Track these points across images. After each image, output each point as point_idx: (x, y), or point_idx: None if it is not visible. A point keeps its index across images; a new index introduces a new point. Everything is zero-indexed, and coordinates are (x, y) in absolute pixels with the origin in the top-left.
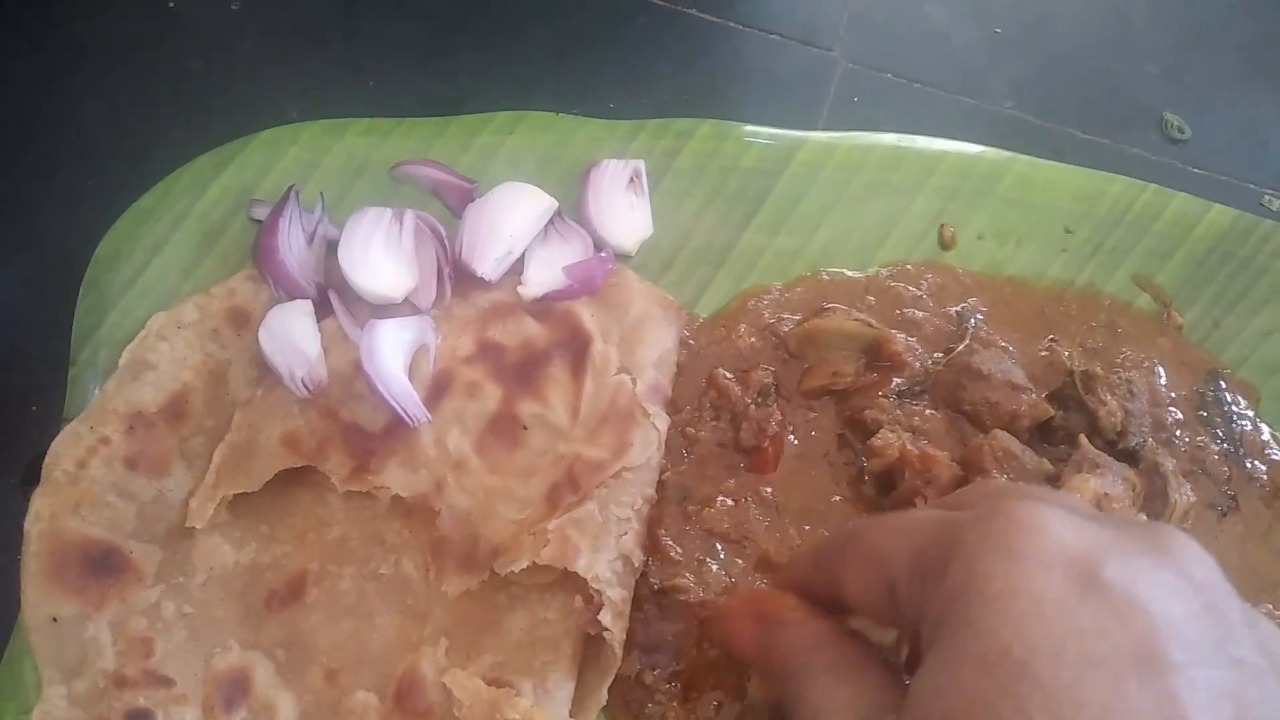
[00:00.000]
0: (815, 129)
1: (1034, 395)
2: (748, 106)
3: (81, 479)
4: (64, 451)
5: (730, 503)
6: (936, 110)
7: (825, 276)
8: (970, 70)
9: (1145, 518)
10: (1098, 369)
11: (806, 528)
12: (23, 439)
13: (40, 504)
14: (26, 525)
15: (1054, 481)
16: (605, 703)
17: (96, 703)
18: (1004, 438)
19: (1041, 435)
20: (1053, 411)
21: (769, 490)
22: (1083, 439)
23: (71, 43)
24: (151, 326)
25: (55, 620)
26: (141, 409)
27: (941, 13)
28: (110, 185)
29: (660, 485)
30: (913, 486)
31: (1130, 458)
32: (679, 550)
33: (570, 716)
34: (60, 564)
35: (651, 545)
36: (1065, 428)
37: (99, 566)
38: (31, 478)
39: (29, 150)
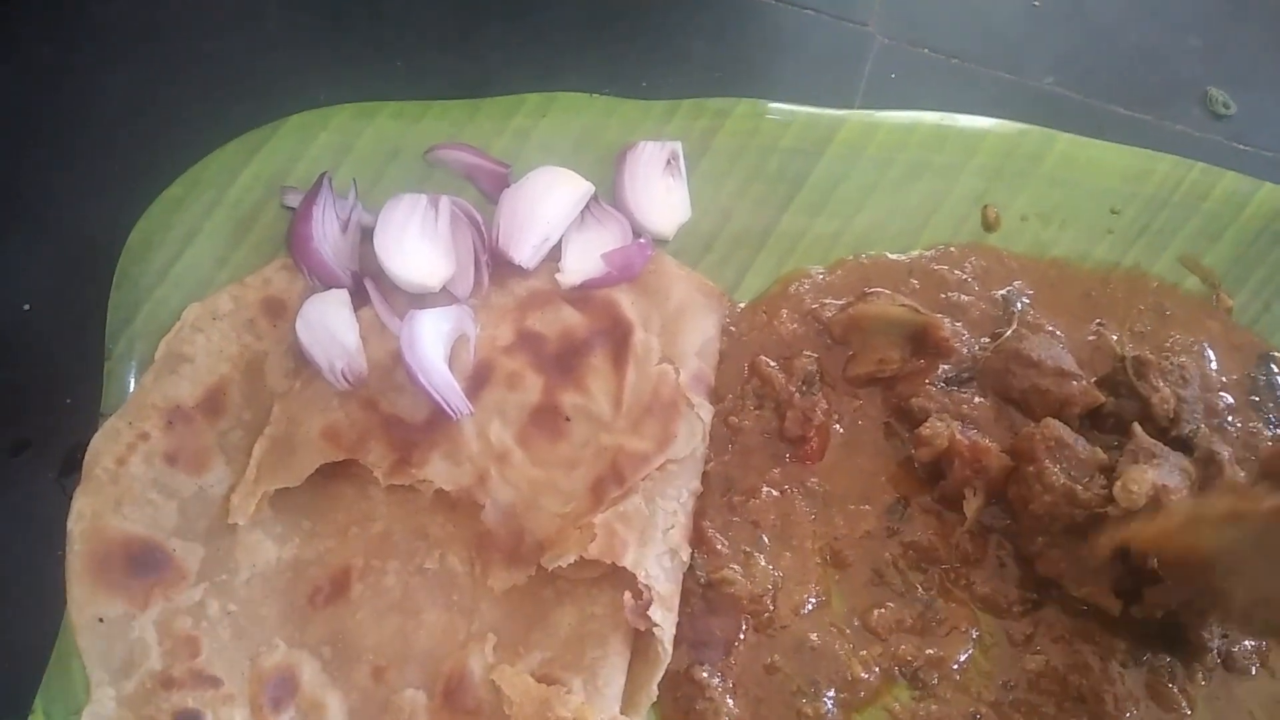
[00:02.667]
0: (852, 107)
1: (1084, 382)
2: (781, 84)
3: (122, 476)
4: (104, 448)
5: (775, 493)
6: (975, 87)
7: (867, 260)
8: (1009, 45)
9: None
10: (1149, 354)
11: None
12: (60, 432)
13: (82, 503)
14: (70, 524)
15: (1107, 472)
16: (655, 698)
17: (144, 704)
18: (1056, 426)
19: (1091, 422)
20: (1104, 398)
21: (814, 480)
22: (1137, 428)
23: (89, 25)
24: (187, 318)
25: (101, 621)
26: (179, 403)
27: None
28: (136, 172)
29: (704, 476)
30: (962, 477)
31: (1183, 445)
32: (725, 542)
33: (621, 713)
34: (104, 563)
35: (697, 537)
36: (1116, 415)
37: (142, 565)
38: (69, 470)
39: (50, 137)
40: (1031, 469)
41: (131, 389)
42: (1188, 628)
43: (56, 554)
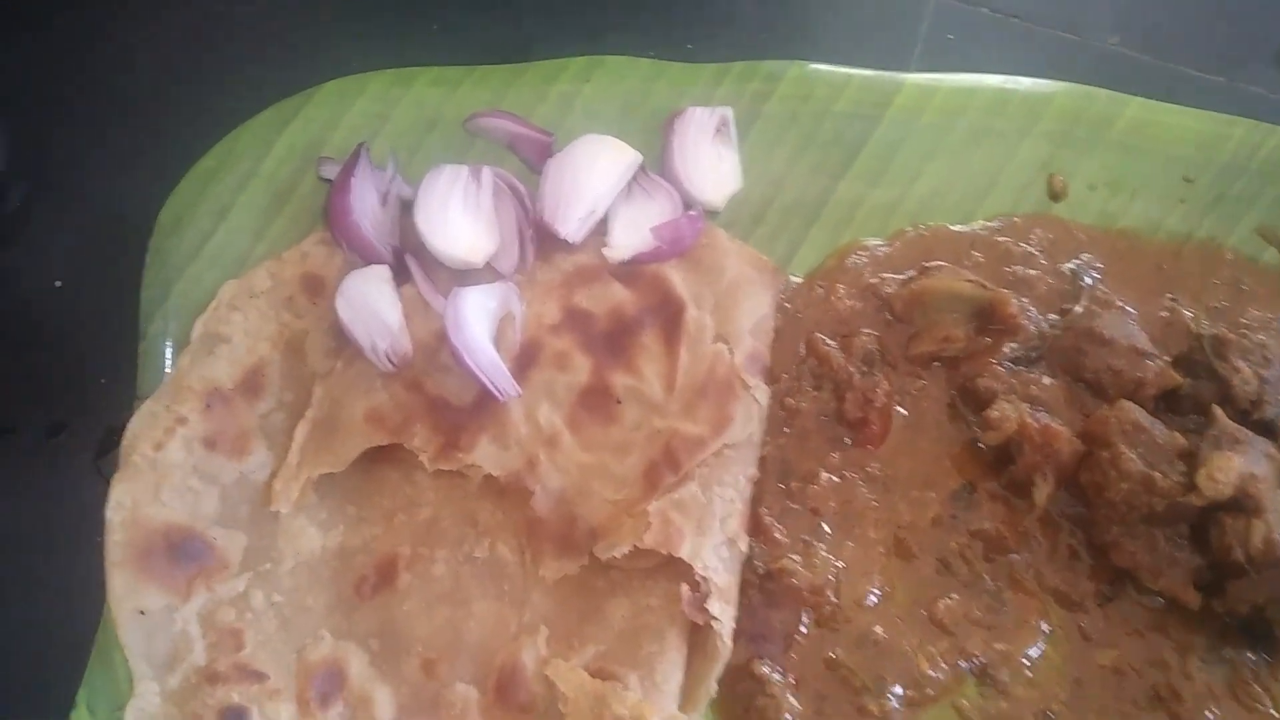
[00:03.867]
0: (908, 70)
1: (1160, 362)
2: (833, 45)
3: (160, 462)
4: (141, 433)
5: (835, 479)
6: (1036, 48)
7: (927, 231)
8: (1071, 3)
9: None
10: (1228, 332)
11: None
12: (95, 413)
13: (120, 490)
14: (108, 513)
15: (1188, 458)
16: (715, 694)
17: (189, 699)
18: (1131, 409)
19: (1167, 404)
20: (1181, 380)
21: (875, 465)
22: (1218, 411)
23: None
24: (223, 296)
25: (143, 613)
26: (218, 385)
27: None
28: (167, 144)
29: (759, 460)
30: (1032, 462)
31: (1267, 429)
32: (783, 531)
33: (679, 709)
34: (145, 553)
35: (754, 526)
36: (1194, 396)
37: (184, 554)
38: (105, 450)
39: (79, 108)
40: (1106, 454)
41: (167, 370)
42: (1274, 624)
43: (95, 540)
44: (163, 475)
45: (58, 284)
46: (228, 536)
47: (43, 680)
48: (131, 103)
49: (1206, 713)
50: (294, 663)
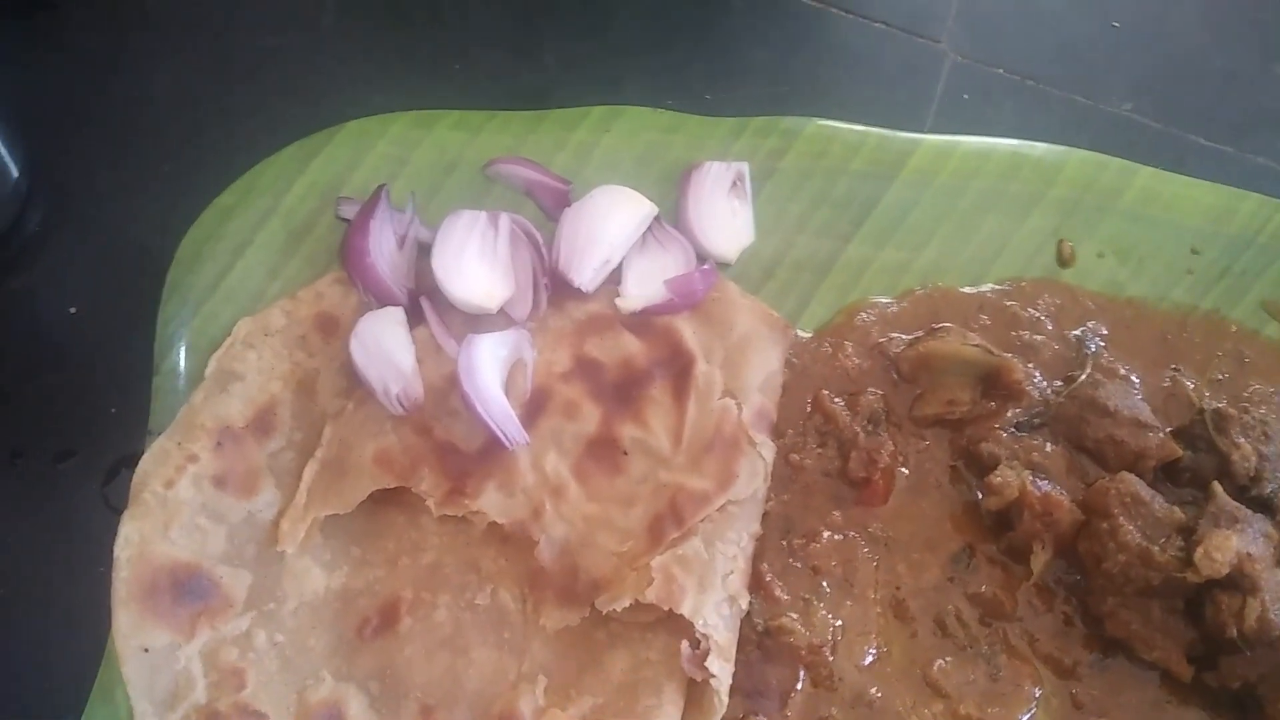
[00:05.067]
0: (923, 128)
1: (1161, 434)
2: (849, 101)
3: (170, 500)
4: (152, 470)
5: (837, 537)
6: (1050, 111)
7: (936, 292)
8: (1086, 67)
9: None
10: (1229, 408)
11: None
12: (104, 442)
13: (130, 528)
14: (116, 551)
15: (1186, 532)
16: None
17: None
18: (1131, 481)
19: (1166, 475)
20: (1181, 452)
21: (877, 525)
22: (1217, 488)
23: (141, 19)
24: (238, 334)
25: (146, 650)
26: (229, 423)
27: (1056, 3)
28: (187, 174)
29: (763, 516)
30: (1031, 529)
31: (1263, 506)
32: (784, 588)
33: None
34: (150, 590)
35: (755, 583)
36: (1193, 469)
37: (189, 592)
38: (111, 479)
39: (99, 134)
40: (1105, 525)
41: (179, 404)
42: (1265, 700)
43: (99, 568)
44: (172, 513)
45: (72, 310)
46: (233, 575)
47: (44, 711)
48: (154, 134)
49: None
50: (294, 703)
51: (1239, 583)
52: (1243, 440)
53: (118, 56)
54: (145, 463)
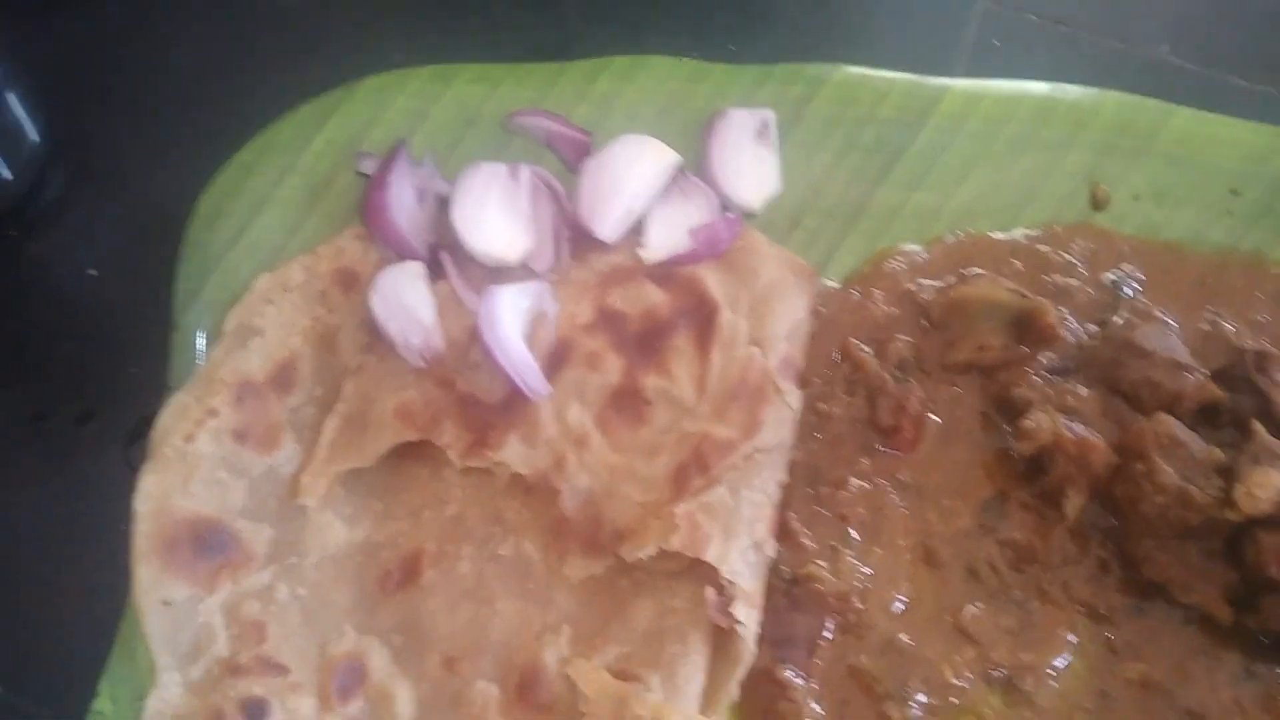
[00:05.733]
0: (953, 75)
1: (1200, 375)
2: (878, 49)
3: (190, 454)
4: (172, 425)
5: (865, 486)
6: (1084, 55)
7: (966, 238)
8: (1121, 9)
9: None
10: (1271, 348)
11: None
12: (125, 402)
13: (149, 481)
14: (136, 504)
15: (1225, 473)
16: (736, 698)
17: (211, 691)
18: (1168, 422)
19: (1205, 419)
20: (1220, 394)
21: (906, 473)
22: (1257, 426)
23: None
24: (257, 289)
25: (167, 604)
26: (249, 378)
27: None
28: (205, 135)
29: (789, 465)
30: (1065, 473)
31: None
32: (811, 536)
33: (700, 712)
34: (171, 544)
35: (781, 531)
36: (1233, 411)
37: (210, 546)
38: (134, 440)
39: (118, 96)
40: (1141, 467)
41: (199, 361)
42: None
43: (121, 528)
44: (192, 467)
45: (93, 272)
46: (254, 529)
47: (66, 668)
48: (172, 93)
49: None
50: (316, 657)
51: None
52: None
53: (136, 18)
54: (164, 417)
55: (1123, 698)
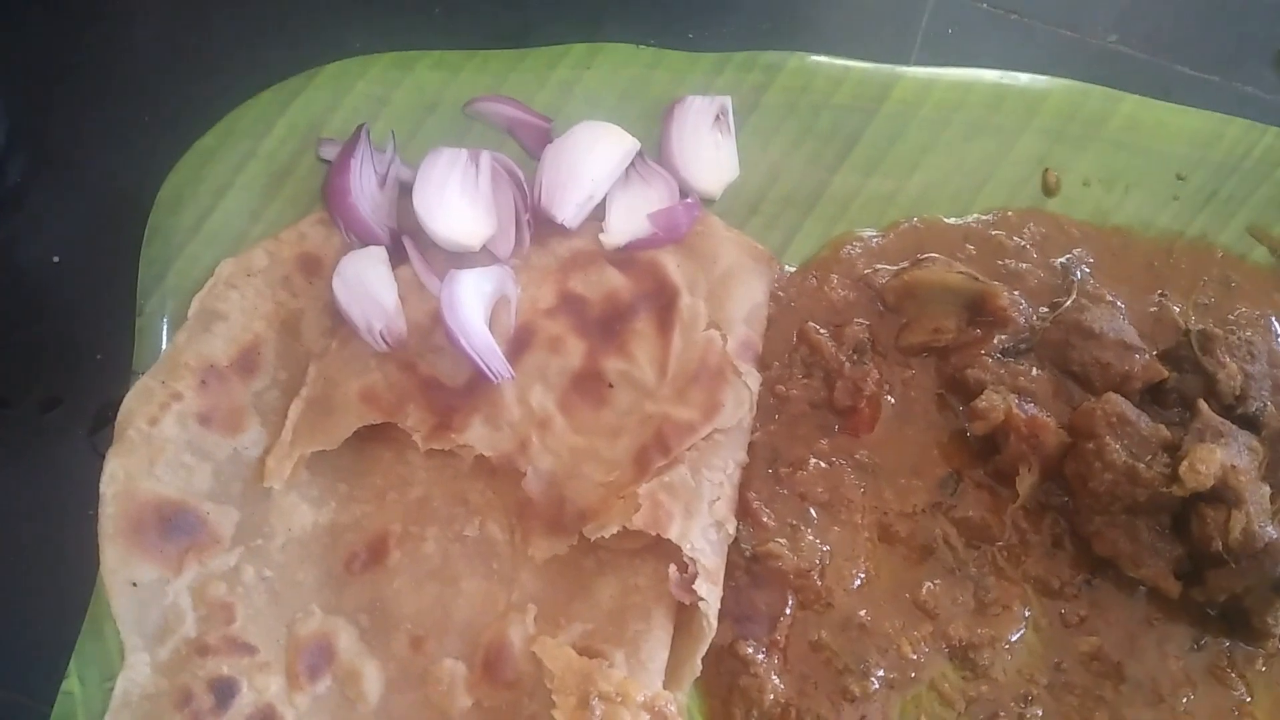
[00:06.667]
0: (908, 62)
1: (1147, 355)
2: (833, 37)
3: (155, 437)
4: (136, 408)
5: (824, 465)
6: (1035, 44)
7: (921, 223)
8: (1070, 0)
9: (1269, 489)
10: (1215, 328)
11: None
12: (90, 389)
13: (115, 464)
14: (102, 487)
15: (1172, 450)
16: (699, 673)
17: (180, 671)
18: (1117, 401)
19: (1153, 398)
20: (1167, 373)
21: (864, 453)
22: (1202, 405)
23: None
24: (220, 274)
25: (135, 585)
26: (213, 362)
27: None
28: (167, 121)
29: (750, 446)
30: (1017, 452)
31: (1250, 423)
32: (771, 515)
33: (664, 687)
34: (137, 526)
35: (742, 510)
36: (1179, 390)
37: (176, 528)
38: (99, 427)
39: (79, 83)
40: (1091, 446)
41: (164, 346)
42: (1251, 613)
43: (88, 513)
44: (157, 450)
45: (55, 259)
46: (220, 511)
47: (35, 651)
48: (133, 80)
49: (1183, 698)
50: (284, 637)
51: (1224, 495)
52: (1228, 359)
53: (97, 4)
54: (129, 400)
55: (1075, 669)
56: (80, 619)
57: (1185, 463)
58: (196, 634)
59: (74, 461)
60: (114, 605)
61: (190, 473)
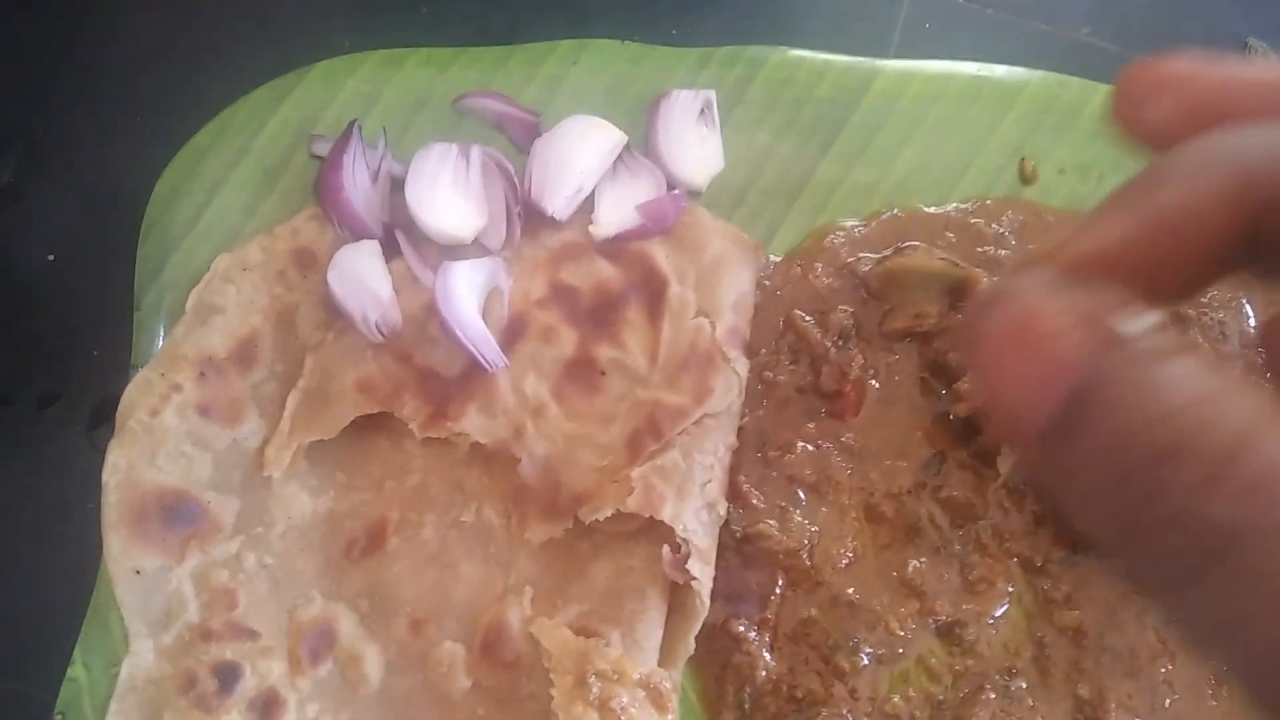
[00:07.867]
0: (887, 56)
1: None
2: (815, 32)
3: (156, 428)
4: (137, 400)
5: (811, 448)
6: (1010, 37)
7: (902, 213)
8: None
9: None
10: (1187, 310)
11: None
12: (88, 385)
13: (116, 454)
14: (105, 476)
15: None
16: (693, 651)
17: (183, 656)
18: None
19: None
20: None
21: (850, 436)
22: None
23: None
24: (217, 269)
25: (138, 573)
26: (211, 354)
27: None
28: (161, 119)
29: (739, 431)
30: (999, 433)
31: None
32: (760, 497)
33: (659, 665)
34: (139, 515)
35: (732, 492)
36: None
37: (178, 517)
38: (98, 422)
39: (72, 81)
40: None
41: (161, 341)
42: None
43: (88, 506)
44: (158, 440)
45: (50, 258)
46: (221, 501)
47: (35, 642)
48: (126, 78)
49: (1162, 669)
50: (285, 622)
51: None
52: (1200, 340)
53: (89, 6)
54: (129, 393)
55: (1058, 643)
56: (80, 610)
57: None
58: (199, 620)
59: (73, 456)
60: (118, 592)
61: (191, 462)
